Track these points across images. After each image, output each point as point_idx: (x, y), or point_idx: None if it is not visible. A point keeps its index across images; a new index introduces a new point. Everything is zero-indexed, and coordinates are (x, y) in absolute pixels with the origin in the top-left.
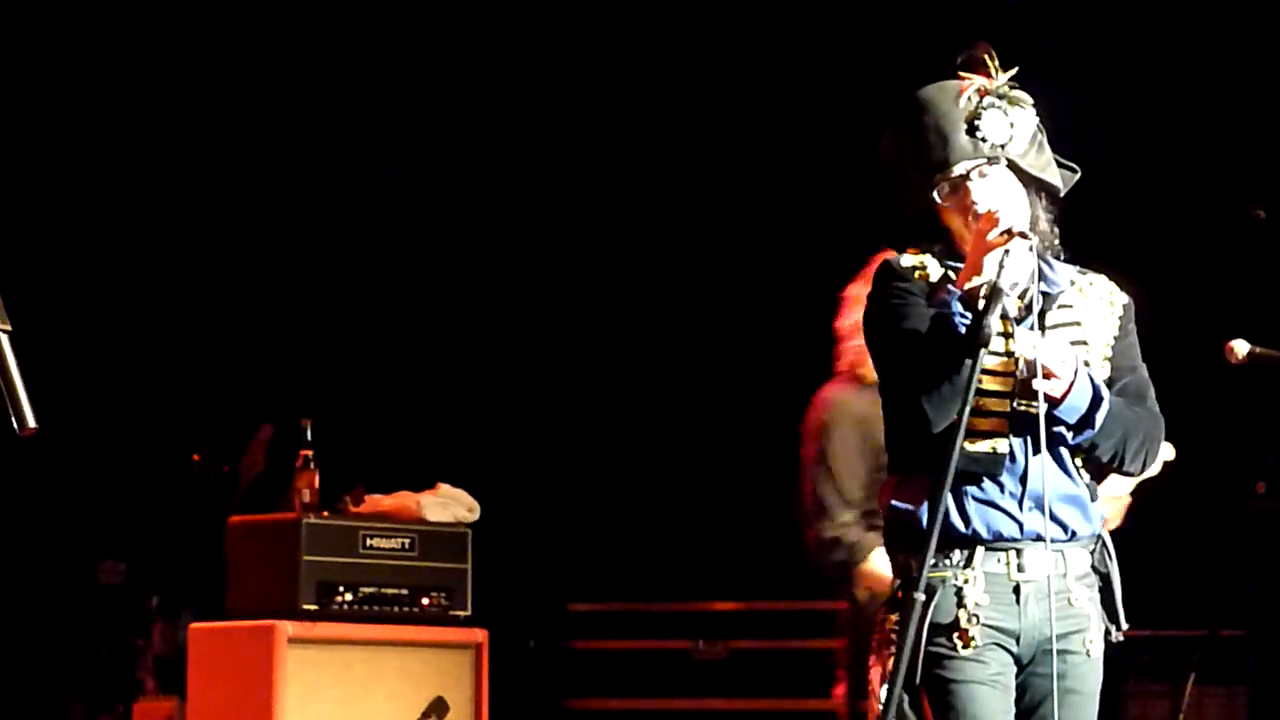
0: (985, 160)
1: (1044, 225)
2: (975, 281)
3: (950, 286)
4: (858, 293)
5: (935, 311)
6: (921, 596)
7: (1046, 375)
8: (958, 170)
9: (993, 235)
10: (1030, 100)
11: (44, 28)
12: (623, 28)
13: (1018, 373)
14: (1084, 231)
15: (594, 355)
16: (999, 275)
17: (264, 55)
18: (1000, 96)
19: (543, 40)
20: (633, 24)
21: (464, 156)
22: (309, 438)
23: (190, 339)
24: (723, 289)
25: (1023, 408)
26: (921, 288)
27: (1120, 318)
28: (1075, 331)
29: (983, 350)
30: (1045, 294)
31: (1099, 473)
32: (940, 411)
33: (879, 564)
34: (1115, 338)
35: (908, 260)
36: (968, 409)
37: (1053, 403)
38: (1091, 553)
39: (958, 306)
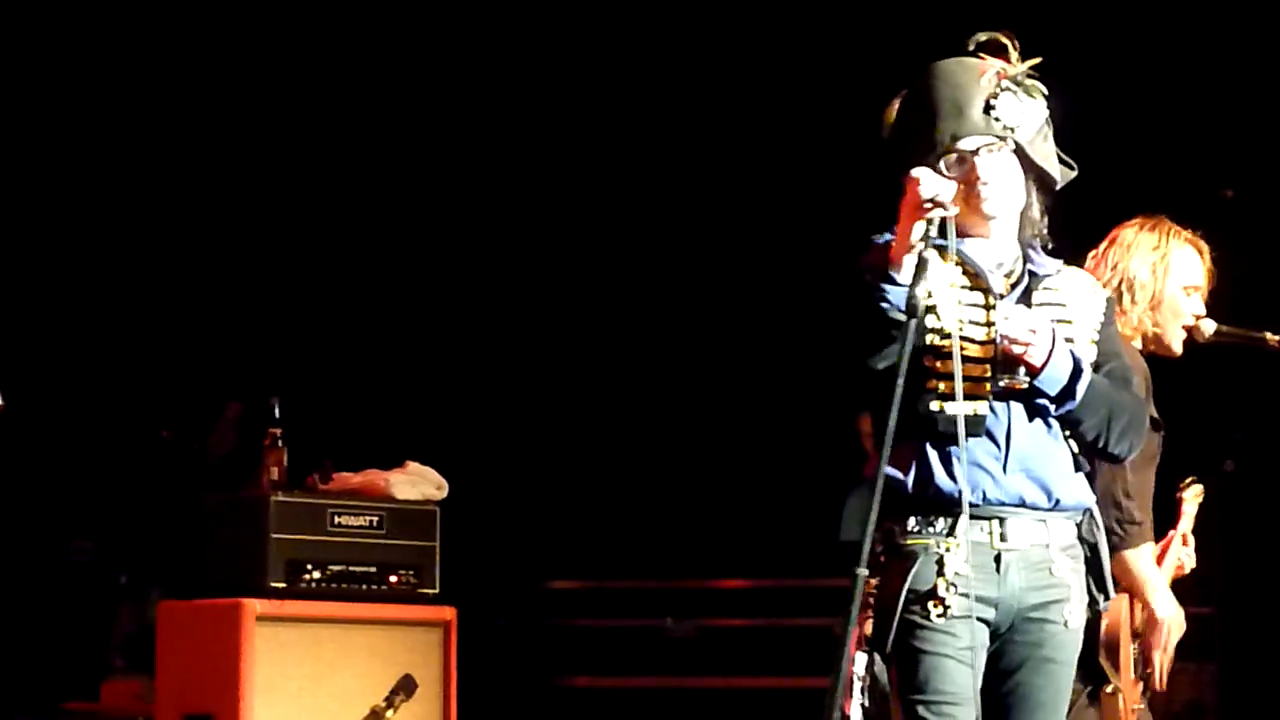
0: (996, 139)
1: (1035, 214)
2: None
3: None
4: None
5: (867, 281)
6: (865, 572)
7: (1013, 344)
8: (969, 144)
9: (916, 206)
10: (1045, 91)
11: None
12: (616, 22)
13: (997, 343)
14: (1053, 211)
15: (564, 333)
16: (924, 246)
17: (226, 37)
18: (1018, 83)
19: (524, 31)
20: (626, 18)
21: (428, 137)
22: (278, 415)
23: (160, 317)
24: (692, 263)
25: (1004, 383)
26: None
27: (1104, 310)
28: (1060, 311)
29: (913, 320)
30: (1032, 274)
31: (1087, 455)
32: (854, 375)
33: (1146, 565)
34: (1101, 324)
35: (889, 237)
36: (899, 377)
37: (1033, 372)
38: (1079, 524)
39: (877, 280)
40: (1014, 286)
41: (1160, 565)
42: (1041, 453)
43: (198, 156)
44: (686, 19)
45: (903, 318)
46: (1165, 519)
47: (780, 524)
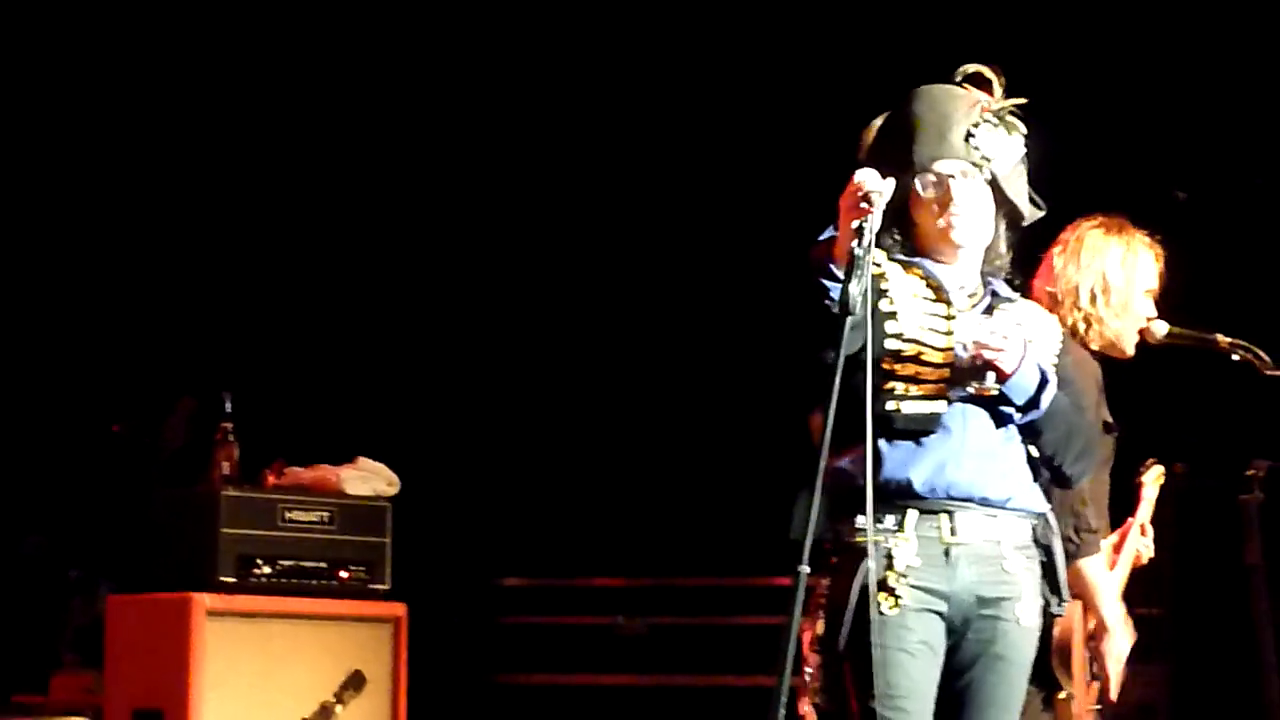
0: (973, 165)
1: (1002, 248)
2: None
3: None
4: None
5: (813, 277)
6: (806, 570)
7: (985, 349)
8: (945, 167)
9: (851, 201)
10: (1024, 131)
11: None
12: (581, 25)
13: (961, 352)
14: (1017, 247)
15: (518, 331)
16: (856, 244)
17: (182, 26)
18: (999, 117)
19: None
20: (600, 24)
21: (375, 128)
22: (229, 410)
23: (112, 311)
24: (647, 261)
25: (973, 388)
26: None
27: (1060, 339)
28: (1022, 330)
29: (848, 318)
30: (994, 293)
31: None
32: (810, 373)
33: (1097, 574)
34: (1060, 351)
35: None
36: (835, 375)
37: (1002, 378)
38: (1034, 527)
39: (821, 278)
40: (974, 305)
41: (1118, 555)
42: (997, 452)
43: (148, 150)
44: (666, 29)
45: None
46: (1122, 512)
47: (731, 522)
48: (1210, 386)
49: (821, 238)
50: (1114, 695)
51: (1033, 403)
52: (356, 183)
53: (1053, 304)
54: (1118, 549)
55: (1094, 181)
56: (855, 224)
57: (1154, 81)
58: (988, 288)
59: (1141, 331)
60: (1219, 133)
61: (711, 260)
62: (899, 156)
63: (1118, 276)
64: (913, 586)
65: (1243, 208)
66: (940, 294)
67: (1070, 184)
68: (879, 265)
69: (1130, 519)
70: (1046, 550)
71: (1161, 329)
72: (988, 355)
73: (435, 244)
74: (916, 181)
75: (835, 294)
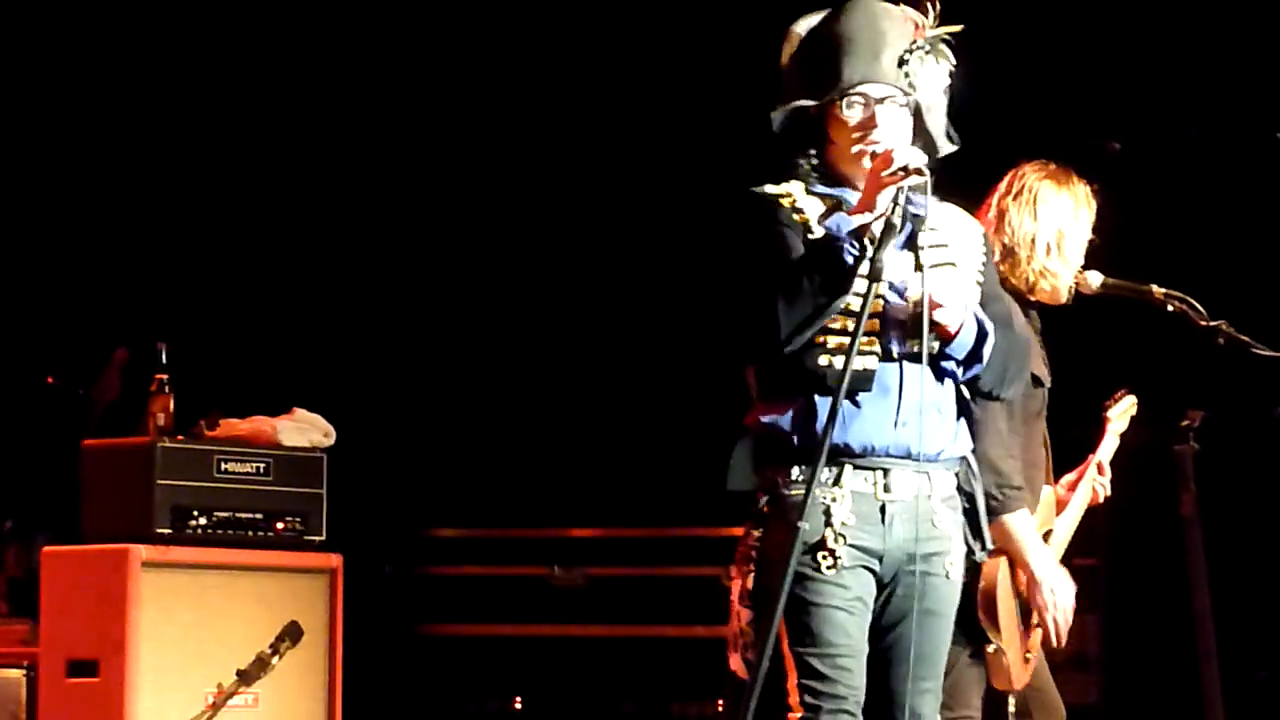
0: (902, 93)
1: None
2: (867, 217)
3: (843, 214)
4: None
5: (825, 236)
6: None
7: (934, 307)
8: (875, 90)
9: (887, 173)
10: (953, 62)
11: None
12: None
13: (894, 299)
14: (942, 162)
15: (451, 281)
16: (892, 212)
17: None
18: (933, 44)
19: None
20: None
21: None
22: (164, 361)
23: (44, 262)
24: (579, 213)
25: (915, 348)
26: (789, 217)
27: (984, 246)
28: (946, 253)
29: (876, 284)
30: (915, 216)
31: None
32: (801, 334)
33: (1024, 529)
34: (983, 262)
35: (773, 189)
36: (821, 331)
37: (947, 338)
38: (956, 474)
39: (848, 238)
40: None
41: (1072, 494)
42: (930, 405)
43: (80, 101)
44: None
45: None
46: (1065, 464)
47: (669, 473)
48: (1145, 337)
49: (765, 192)
50: (1059, 642)
51: (975, 356)
52: (286, 133)
53: (1004, 254)
54: (1072, 487)
55: (1031, 132)
56: (890, 192)
57: (1090, 30)
58: (905, 210)
59: (1076, 281)
60: (1153, 83)
61: (652, 213)
62: (825, 70)
63: (1071, 230)
64: (850, 545)
65: (1178, 158)
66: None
67: (1008, 134)
68: (793, 199)
69: (1090, 455)
70: (969, 497)
71: (1096, 280)
72: (938, 316)
73: (365, 194)
74: (842, 101)
75: (845, 255)
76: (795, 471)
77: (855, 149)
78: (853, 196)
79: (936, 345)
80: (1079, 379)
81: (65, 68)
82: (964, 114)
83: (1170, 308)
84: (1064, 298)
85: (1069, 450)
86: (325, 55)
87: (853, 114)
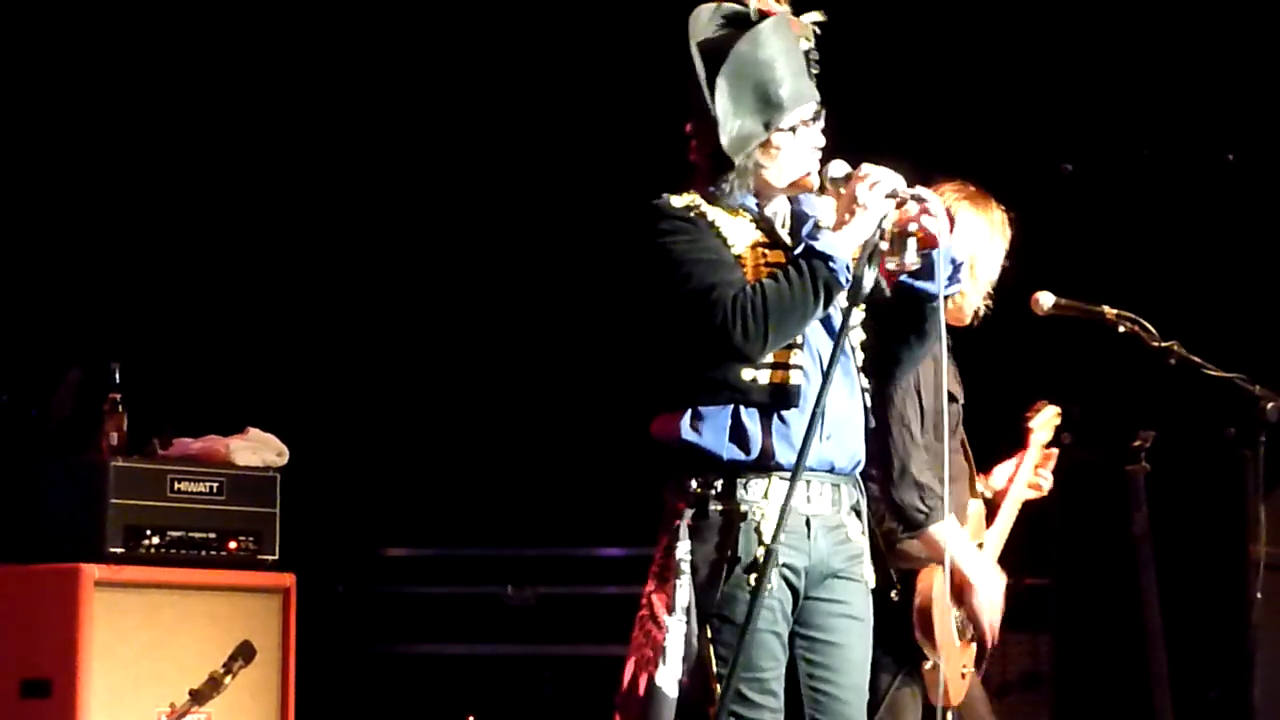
0: (818, 103)
1: None
2: (852, 236)
3: (820, 234)
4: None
5: (811, 251)
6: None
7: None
8: (809, 109)
9: (874, 195)
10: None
11: None
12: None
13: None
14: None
15: (403, 299)
16: (877, 235)
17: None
18: (811, 46)
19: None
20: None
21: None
22: (118, 380)
23: None
24: (527, 230)
25: (894, 264)
26: (703, 226)
27: None
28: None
29: (854, 308)
30: (807, 216)
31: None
32: (772, 342)
33: (950, 537)
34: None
35: (679, 201)
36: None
37: (931, 245)
38: (855, 486)
39: (835, 255)
40: (793, 235)
41: (1006, 491)
42: (848, 417)
43: (33, 116)
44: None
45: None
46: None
47: (619, 492)
48: (1096, 358)
49: (670, 203)
50: (993, 642)
51: (956, 275)
52: (239, 152)
53: None
54: (1002, 495)
55: (982, 154)
56: (875, 217)
57: (1042, 52)
58: (797, 212)
59: (1029, 302)
60: (1105, 105)
61: (594, 233)
62: (763, 93)
63: (984, 254)
64: (779, 564)
65: (1129, 179)
66: (772, 235)
67: (960, 156)
68: (703, 211)
69: (1021, 452)
70: (859, 512)
71: (1048, 300)
72: (927, 222)
73: (319, 215)
74: (783, 123)
75: (841, 276)
76: (720, 484)
77: (798, 169)
78: (752, 202)
79: (917, 259)
80: (1031, 399)
81: (11, 85)
82: (919, 134)
83: (1122, 328)
84: (967, 319)
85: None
86: (280, 80)
87: (795, 136)
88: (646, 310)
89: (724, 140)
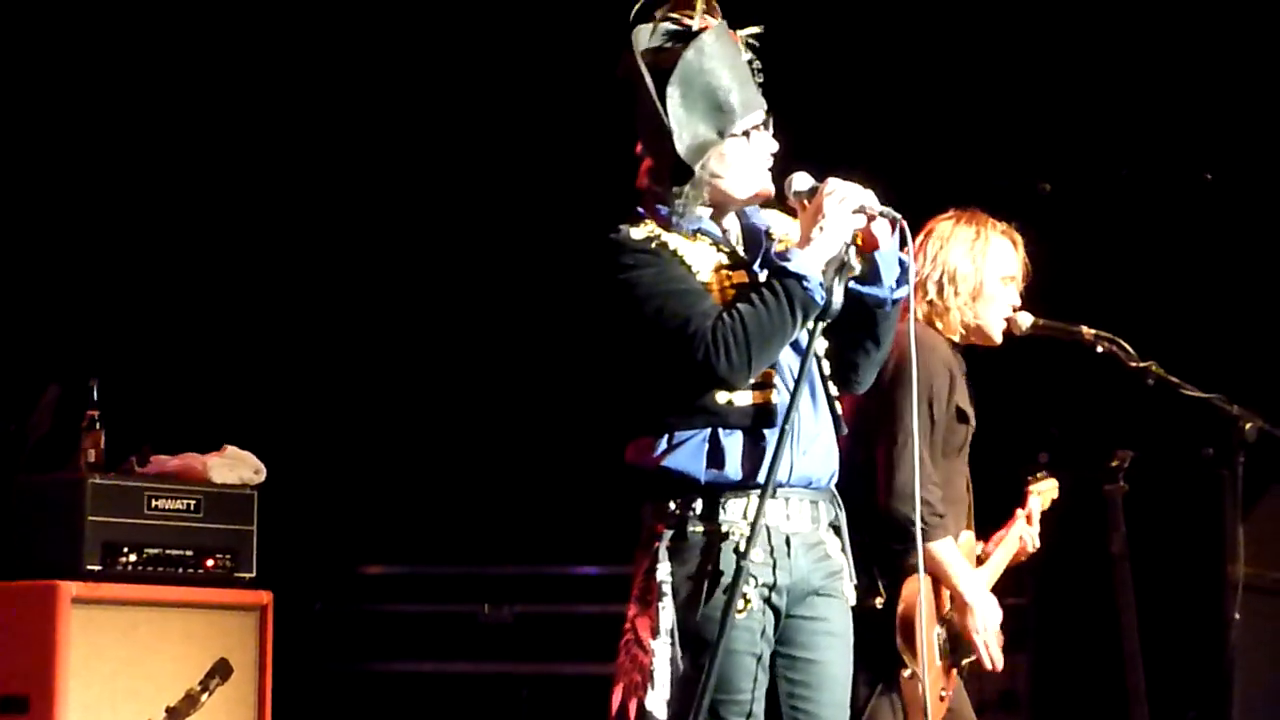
0: (765, 110)
1: None
2: (820, 252)
3: (788, 251)
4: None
5: (784, 271)
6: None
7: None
8: (758, 118)
9: (842, 210)
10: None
11: None
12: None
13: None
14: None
15: (382, 316)
16: (846, 251)
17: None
18: (748, 51)
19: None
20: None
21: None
22: (95, 398)
23: None
24: (509, 247)
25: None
26: (665, 256)
27: None
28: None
29: (820, 324)
30: (761, 230)
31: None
32: (755, 367)
33: (950, 554)
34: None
35: (638, 232)
36: (803, 371)
37: (873, 247)
38: (832, 502)
39: (808, 274)
40: (749, 250)
41: (999, 546)
42: (821, 432)
43: (13, 134)
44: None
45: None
46: (993, 504)
47: (596, 510)
48: (1074, 377)
49: (628, 233)
50: (995, 666)
51: (904, 278)
52: (217, 168)
53: (938, 291)
54: (996, 542)
55: (961, 173)
56: (845, 231)
57: (1020, 71)
58: (748, 226)
59: (1007, 322)
60: (1083, 124)
61: (562, 260)
62: (713, 103)
63: (965, 264)
64: (760, 585)
65: (1108, 199)
66: (733, 255)
67: (938, 176)
68: (664, 241)
69: (1018, 509)
70: (838, 528)
71: (1026, 320)
72: (875, 229)
73: (296, 232)
74: (735, 128)
75: (816, 295)
76: (700, 505)
77: (751, 180)
78: (708, 224)
79: (857, 263)
80: (1008, 419)
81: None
82: (895, 154)
83: (1100, 348)
84: (993, 336)
85: (994, 491)
86: (261, 104)
87: (748, 148)
88: (616, 343)
89: (681, 149)
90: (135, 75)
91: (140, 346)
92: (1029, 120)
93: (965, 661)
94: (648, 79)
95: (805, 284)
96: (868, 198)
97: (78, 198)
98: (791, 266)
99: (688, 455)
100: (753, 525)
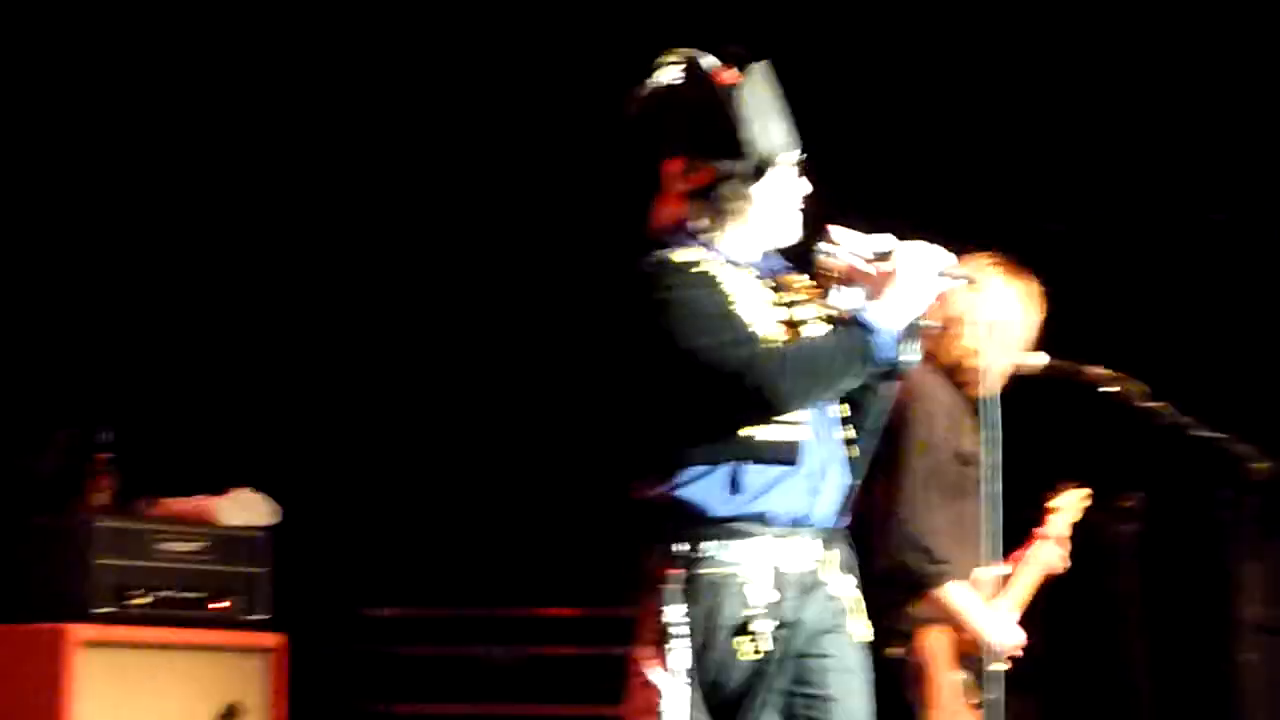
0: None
1: None
2: (897, 310)
3: (867, 305)
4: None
5: (856, 319)
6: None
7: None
8: (793, 156)
9: (924, 273)
10: None
11: None
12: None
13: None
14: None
15: (392, 360)
16: (922, 315)
17: None
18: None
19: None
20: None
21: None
22: (107, 440)
23: None
24: (515, 292)
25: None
26: (709, 282)
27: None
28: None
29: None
30: (782, 268)
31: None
32: (809, 401)
33: (960, 598)
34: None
35: (682, 256)
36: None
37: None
38: (843, 542)
39: (883, 329)
40: (775, 288)
41: (1015, 570)
42: (838, 472)
43: (20, 176)
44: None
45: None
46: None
47: (605, 551)
48: (1084, 418)
49: (677, 258)
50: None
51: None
52: (227, 209)
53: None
54: (1016, 563)
55: (973, 213)
56: (928, 292)
57: (1029, 113)
58: (770, 267)
59: (1018, 364)
60: (1096, 165)
61: (582, 299)
62: (774, 125)
63: (1012, 319)
64: (769, 625)
65: (1118, 240)
66: (776, 292)
67: (951, 214)
68: (705, 263)
69: (1036, 530)
70: (847, 568)
71: (1039, 361)
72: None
73: (308, 272)
74: (771, 175)
75: (887, 352)
76: (706, 546)
77: (781, 220)
78: (747, 258)
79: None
80: (1018, 461)
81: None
82: (906, 196)
83: (1112, 389)
84: (982, 390)
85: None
86: (255, 134)
87: (784, 187)
88: (645, 369)
89: (759, 149)
90: (128, 102)
91: (154, 389)
92: (1038, 160)
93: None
94: (719, 87)
95: (879, 338)
96: (948, 261)
97: (81, 239)
98: (870, 318)
99: (704, 488)
100: (762, 566)
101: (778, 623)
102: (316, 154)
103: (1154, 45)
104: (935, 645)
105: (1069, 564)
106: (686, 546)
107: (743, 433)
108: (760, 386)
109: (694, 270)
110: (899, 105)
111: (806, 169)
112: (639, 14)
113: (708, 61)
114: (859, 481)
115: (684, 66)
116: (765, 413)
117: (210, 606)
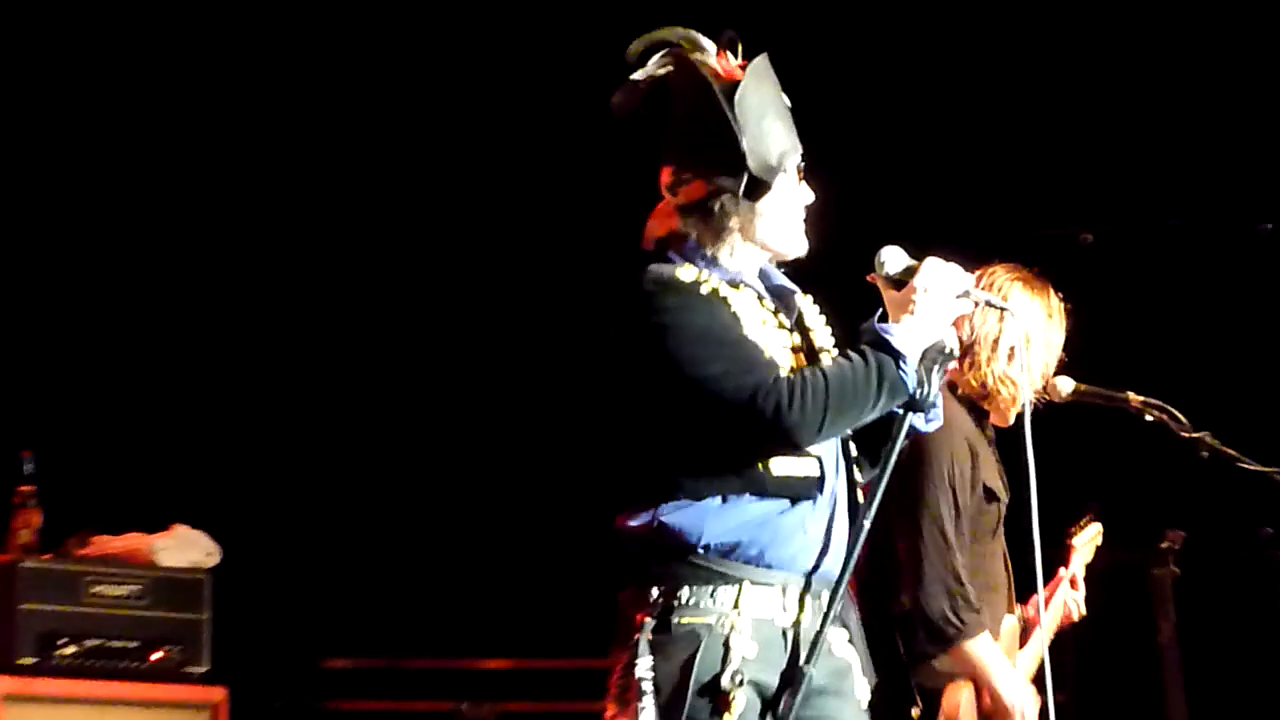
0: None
1: None
2: (914, 338)
3: (891, 328)
4: None
5: (878, 344)
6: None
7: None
8: (798, 160)
9: (946, 295)
10: None
11: None
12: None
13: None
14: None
15: (350, 393)
16: (945, 341)
17: None
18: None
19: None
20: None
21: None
22: (30, 472)
23: None
24: (476, 337)
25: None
26: (716, 303)
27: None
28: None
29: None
30: (788, 290)
31: None
32: (826, 432)
33: (986, 653)
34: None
35: (686, 274)
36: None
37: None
38: (849, 591)
39: (906, 354)
40: (778, 311)
41: (1044, 613)
42: (845, 513)
43: None
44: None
45: None
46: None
47: (580, 602)
48: (1119, 450)
49: (673, 273)
50: None
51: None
52: (165, 230)
53: (961, 352)
54: (1036, 619)
55: (1001, 225)
56: (946, 318)
57: (1063, 116)
58: (771, 285)
59: (1046, 388)
60: (1130, 170)
61: (556, 330)
62: (778, 129)
63: (1038, 337)
64: (750, 682)
65: (1155, 251)
66: (779, 313)
67: (978, 226)
68: (711, 282)
69: (1061, 570)
70: (845, 623)
71: (1067, 386)
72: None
73: (252, 299)
74: (779, 182)
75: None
76: (686, 592)
77: (789, 228)
78: (745, 276)
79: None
80: (1045, 495)
81: None
82: (931, 204)
83: (1148, 417)
84: (1011, 419)
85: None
86: (211, 163)
87: (791, 194)
88: (644, 393)
89: (762, 156)
90: (82, 121)
91: (82, 417)
92: (1069, 165)
93: None
94: (714, 84)
95: (901, 364)
96: (970, 283)
97: (15, 251)
98: (893, 341)
99: (693, 514)
100: (748, 615)
101: (755, 680)
102: (271, 187)
103: (1197, 51)
104: (961, 705)
105: (1084, 612)
106: (659, 594)
107: (753, 466)
108: (778, 408)
109: (700, 290)
110: (907, 109)
111: (810, 175)
112: (639, 13)
113: (700, 50)
114: (868, 524)
115: (675, 57)
116: (779, 445)
117: (148, 658)
